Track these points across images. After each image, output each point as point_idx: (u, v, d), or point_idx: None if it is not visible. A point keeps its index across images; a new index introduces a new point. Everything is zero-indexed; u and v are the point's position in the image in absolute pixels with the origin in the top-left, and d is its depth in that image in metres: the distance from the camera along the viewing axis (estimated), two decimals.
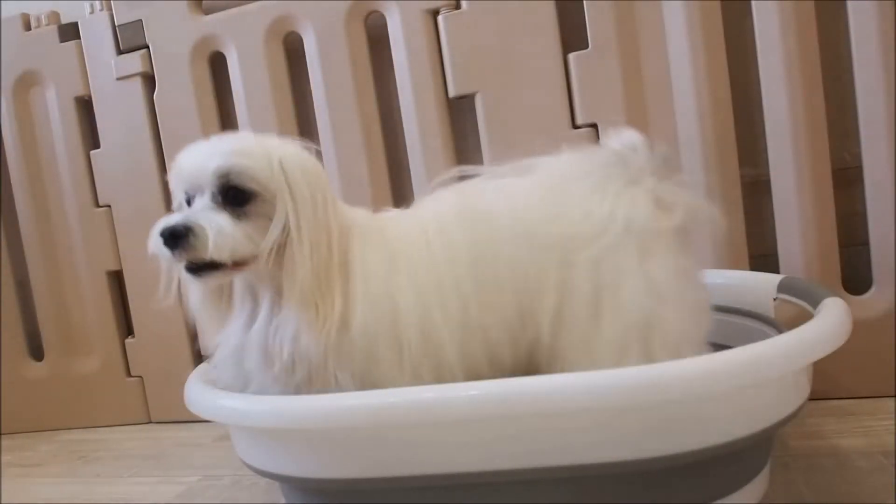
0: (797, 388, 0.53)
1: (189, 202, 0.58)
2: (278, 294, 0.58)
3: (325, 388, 0.56)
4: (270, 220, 0.56)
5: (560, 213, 0.59)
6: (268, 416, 0.53)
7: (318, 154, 0.62)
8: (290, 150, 0.59)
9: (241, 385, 0.61)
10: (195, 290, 0.63)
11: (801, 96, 0.81)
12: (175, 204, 0.62)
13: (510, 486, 0.51)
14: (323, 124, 1.01)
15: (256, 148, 0.57)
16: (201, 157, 0.57)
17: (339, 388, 0.56)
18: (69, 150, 1.13)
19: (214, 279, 0.57)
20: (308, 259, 0.55)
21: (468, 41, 0.92)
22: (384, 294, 0.58)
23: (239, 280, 0.61)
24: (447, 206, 0.63)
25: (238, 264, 0.56)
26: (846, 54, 0.81)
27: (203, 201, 0.56)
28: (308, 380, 0.57)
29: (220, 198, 0.56)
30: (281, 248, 0.57)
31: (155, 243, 0.56)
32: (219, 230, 0.54)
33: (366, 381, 0.56)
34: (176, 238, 0.54)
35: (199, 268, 0.55)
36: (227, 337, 0.62)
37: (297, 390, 0.57)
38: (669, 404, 0.47)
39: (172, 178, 0.60)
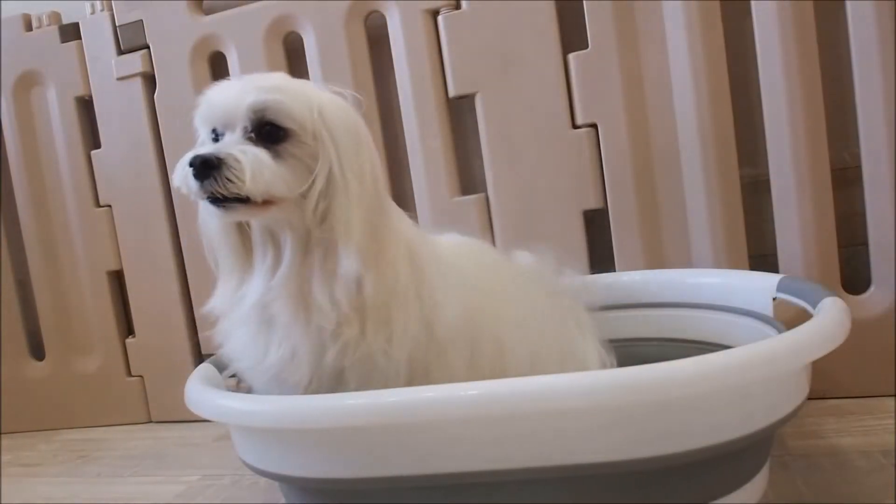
0: (796, 388, 0.53)
1: (217, 140, 0.55)
2: (304, 242, 0.54)
3: (359, 356, 0.54)
4: (305, 163, 0.53)
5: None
6: (268, 416, 0.53)
7: (359, 103, 0.59)
8: (330, 97, 0.56)
9: (262, 348, 0.56)
10: (213, 228, 0.59)
11: (800, 96, 0.81)
12: (199, 141, 0.58)
13: (510, 486, 0.51)
14: None
15: (295, 86, 0.55)
16: (235, 92, 0.54)
17: (381, 362, 0.54)
18: (70, 149, 1.13)
19: (240, 214, 0.53)
20: (358, 208, 0.53)
21: (468, 41, 0.93)
22: (465, 287, 0.59)
23: (258, 229, 0.57)
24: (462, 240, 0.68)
25: (267, 203, 0.52)
26: (845, 54, 0.81)
27: (234, 137, 0.53)
28: (345, 343, 0.54)
29: (253, 134, 0.53)
30: (320, 197, 0.53)
31: (181, 174, 0.52)
32: (257, 161, 0.51)
33: (418, 369, 0.55)
34: (208, 168, 0.50)
35: (225, 199, 0.51)
36: (245, 293, 0.57)
37: (325, 348, 0.54)
38: (669, 404, 0.47)
39: (199, 114, 0.57)
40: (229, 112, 0.54)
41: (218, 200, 0.52)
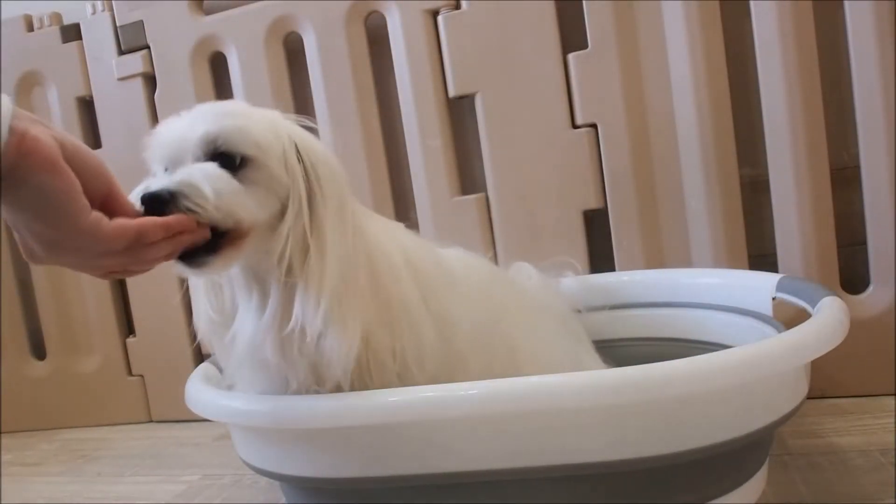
0: (795, 387, 0.53)
1: None
2: (286, 279, 0.51)
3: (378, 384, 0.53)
4: (271, 188, 0.50)
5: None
6: (268, 415, 0.53)
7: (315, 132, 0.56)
8: (298, 128, 0.54)
9: (264, 385, 0.55)
10: (195, 282, 0.57)
11: (799, 96, 0.81)
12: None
13: (509, 486, 0.51)
14: (323, 124, 1.01)
15: (251, 112, 0.52)
16: (185, 124, 0.50)
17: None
18: None
19: (212, 266, 0.49)
20: (337, 247, 0.50)
21: (468, 41, 0.93)
22: (474, 299, 0.60)
23: (241, 269, 0.54)
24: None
25: (236, 237, 0.48)
26: (844, 54, 0.81)
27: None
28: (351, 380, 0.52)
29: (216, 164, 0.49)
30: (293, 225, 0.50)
31: None
32: (215, 178, 0.46)
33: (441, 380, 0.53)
34: (161, 206, 0.45)
35: (193, 254, 0.48)
36: (235, 333, 0.55)
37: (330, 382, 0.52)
38: (668, 403, 0.47)
39: (149, 150, 0.52)
40: (179, 146, 0.49)
41: (185, 256, 0.48)
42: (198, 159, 0.49)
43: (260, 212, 0.49)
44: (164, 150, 0.50)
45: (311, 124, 0.56)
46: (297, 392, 0.54)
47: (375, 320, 0.52)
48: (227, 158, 0.49)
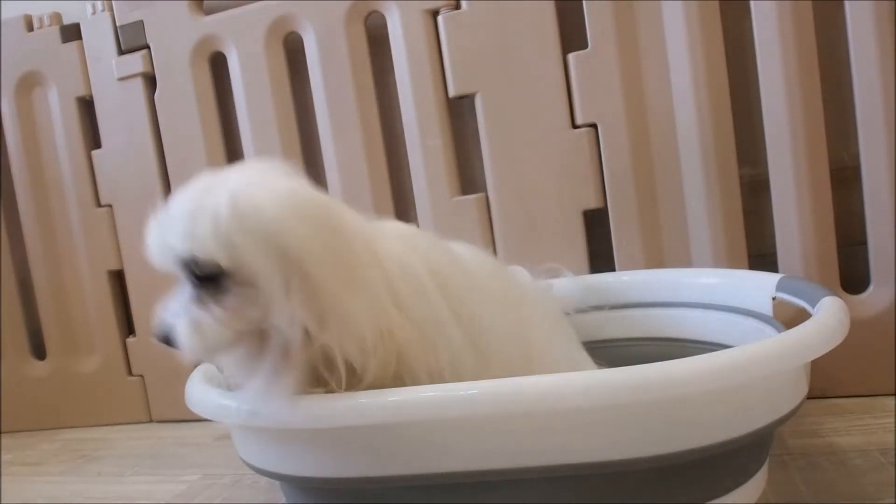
0: (795, 387, 0.53)
1: None
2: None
3: None
4: (252, 293, 0.49)
5: None
6: (268, 416, 0.53)
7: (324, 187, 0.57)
8: (258, 204, 0.48)
9: None
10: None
11: (799, 96, 0.81)
12: None
13: (509, 486, 0.51)
14: (323, 124, 1.01)
15: (210, 213, 0.48)
16: (160, 241, 0.51)
17: None
18: (70, 150, 1.13)
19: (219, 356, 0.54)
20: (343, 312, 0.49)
21: (468, 41, 0.93)
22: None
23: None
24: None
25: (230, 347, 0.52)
26: (844, 54, 0.81)
27: (184, 288, 0.52)
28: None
29: (193, 281, 0.51)
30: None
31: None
32: (191, 332, 0.50)
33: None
34: (168, 344, 0.53)
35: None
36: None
37: None
38: (668, 403, 0.47)
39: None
40: (163, 265, 0.52)
41: None
42: (183, 275, 0.51)
43: (243, 322, 0.50)
44: (155, 263, 0.53)
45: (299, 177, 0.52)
46: None
47: (410, 338, 0.52)
48: (203, 276, 0.49)
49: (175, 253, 0.50)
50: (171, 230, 0.50)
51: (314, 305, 0.49)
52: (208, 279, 0.49)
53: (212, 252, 0.48)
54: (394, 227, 0.61)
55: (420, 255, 0.57)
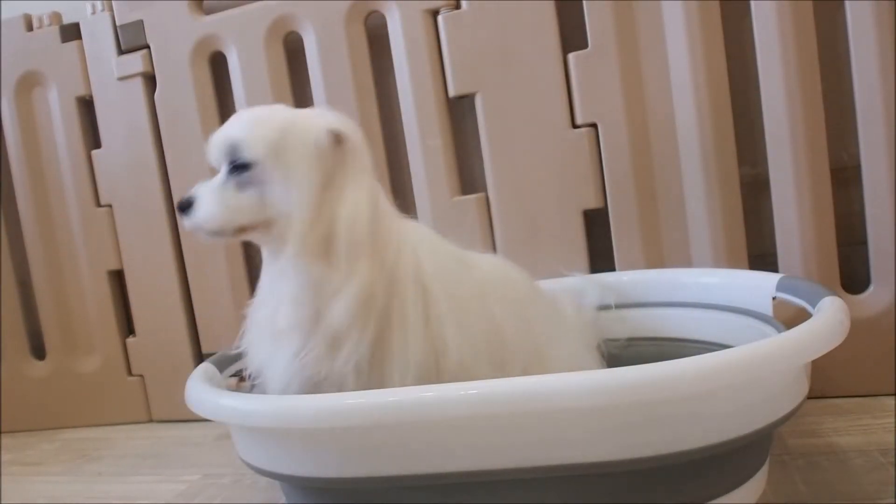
0: (796, 387, 0.53)
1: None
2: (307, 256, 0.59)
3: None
4: (268, 188, 0.58)
5: None
6: (268, 416, 0.53)
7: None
8: (303, 122, 0.59)
9: (270, 358, 0.60)
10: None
11: (799, 96, 0.81)
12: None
13: (510, 486, 0.51)
14: None
15: (267, 118, 0.60)
16: (218, 133, 0.60)
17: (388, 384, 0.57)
18: (70, 149, 1.13)
19: (218, 240, 0.61)
20: (302, 228, 0.57)
21: (468, 41, 0.93)
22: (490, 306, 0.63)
23: (265, 248, 0.63)
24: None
25: (242, 230, 0.60)
26: (844, 54, 0.81)
27: (221, 172, 0.60)
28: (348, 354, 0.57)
29: (228, 168, 0.59)
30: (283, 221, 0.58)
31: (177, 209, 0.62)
32: (209, 204, 0.59)
33: None
34: (184, 208, 0.60)
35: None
36: (258, 305, 0.63)
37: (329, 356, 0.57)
38: (668, 403, 0.48)
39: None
40: (214, 152, 0.61)
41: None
42: (225, 164, 0.59)
43: (259, 212, 0.59)
44: (209, 152, 0.61)
45: (350, 123, 0.61)
46: (305, 365, 0.58)
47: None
48: (238, 163, 0.58)
49: (228, 140, 0.59)
50: (234, 124, 0.60)
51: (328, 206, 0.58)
52: (241, 169, 0.58)
53: (256, 148, 0.57)
54: (410, 222, 0.66)
55: (418, 261, 0.61)
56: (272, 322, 0.60)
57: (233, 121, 0.61)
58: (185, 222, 0.60)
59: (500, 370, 0.60)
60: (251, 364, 0.63)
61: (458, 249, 0.67)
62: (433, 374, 0.58)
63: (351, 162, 0.59)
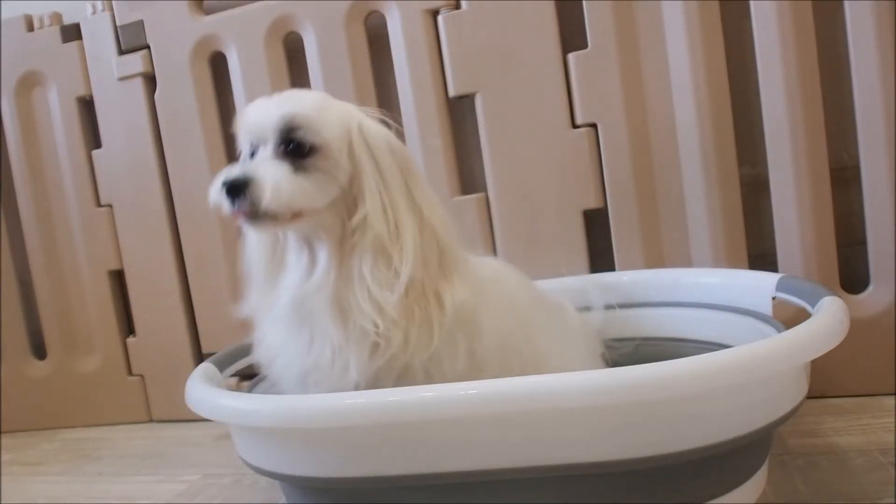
0: (795, 387, 0.53)
1: (253, 154, 0.58)
2: (340, 246, 0.57)
3: (400, 368, 0.56)
4: (332, 175, 0.56)
5: None
6: (268, 415, 0.53)
7: (400, 134, 0.62)
8: (368, 120, 0.59)
9: (305, 343, 0.58)
10: (251, 239, 0.63)
11: (799, 96, 0.81)
12: (240, 155, 0.61)
13: (510, 486, 0.51)
14: None
15: (325, 104, 0.58)
16: (266, 108, 0.57)
17: (420, 379, 0.56)
18: (71, 149, 1.13)
19: (269, 227, 0.56)
20: (409, 220, 0.56)
21: (468, 41, 0.93)
22: (502, 310, 0.63)
23: (293, 236, 0.60)
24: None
25: (297, 216, 0.55)
26: (844, 54, 0.81)
27: (265, 152, 0.56)
28: (390, 350, 0.55)
29: (281, 149, 0.56)
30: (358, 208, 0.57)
31: (216, 193, 0.55)
32: (276, 183, 0.53)
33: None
34: (236, 189, 0.54)
35: (257, 216, 0.55)
36: (280, 293, 0.59)
37: (369, 352, 0.55)
38: (668, 403, 0.48)
39: (238, 129, 0.60)
40: (261, 128, 0.57)
41: (250, 217, 0.55)
42: (276, 140, 0.56)
43: (319, 198, 0.56)
44: (249, 130, 0.58)
45: (385, 118, 0.61)
46: (331, 360, 0.56)
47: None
48: (298, 144, 0.55)
49: (291, 118, 0.55)
50: (295, 102, 0.57)
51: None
52: (303, 154, 0.55)
53: (330, 132, 0.56)
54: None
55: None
56: (300, 309, 0.58)
57: (290, 98, 0.57)
58: (235, 206, 0.54)
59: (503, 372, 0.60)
60: (271, 359, 0.61)
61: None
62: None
63: (414, 168, 0.59)
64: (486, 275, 0.65)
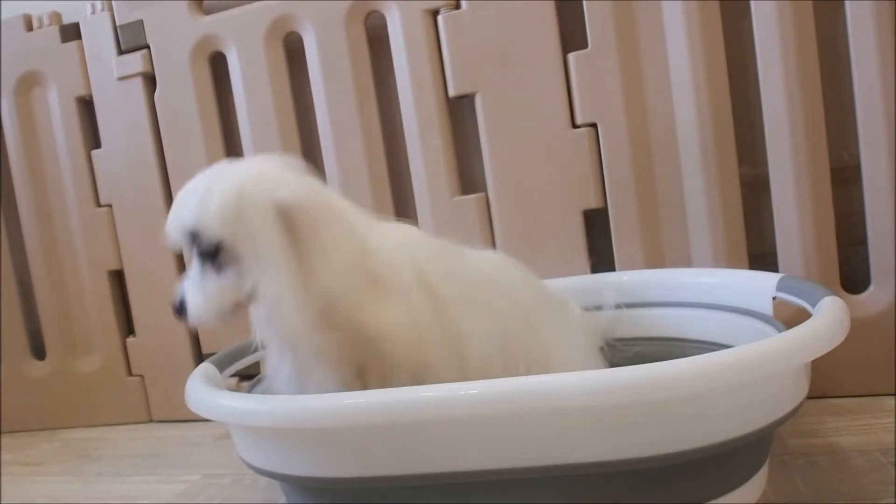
0: (796, 387, 0.53)
1: None
2: None
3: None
4: (242, 266, 0.56)
5: None
6: (268, 415, 0.53)
7: (322, 177, 0.61)
8: (254, 188, 0.55)
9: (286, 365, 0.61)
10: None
11: (799, 96, 0.81)
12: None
13: (510, 486, 0.51)
14: (323, 124, 1.01)
15: (228, 193, 0.54)
16: (172, 217, 0.57)
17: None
18: (70, 149, 1.13)
19: (225, 323, 0.59)
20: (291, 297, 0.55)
21: (468, 41, 0.93)
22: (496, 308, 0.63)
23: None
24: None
25: (240, 306, 0.58)
26: (845, 54, 0.81)
27: (193, 260, 0.57)
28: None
29: (197, 252, 0.56)
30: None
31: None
32: (195, 301, 0.56)
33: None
34: (179, 311, 0.58)
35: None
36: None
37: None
38: (668, 403, 0.48)
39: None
40: (175, 239, 0.57)
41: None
42: (191, 249, 0.56)
43: (241, 292, 0.56)
44: (169, 237, 0.58)
45: (300, 169, 0.59)
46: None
47: (395, 334, 0.57)
48: (206, 249, 0.55)
49: (184, 227, 0.56)
50: (184, 208, 0.56)
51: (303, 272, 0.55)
52: (212, 254, 0.55)
53: (215, 229, 0.54)
54: (394, 227, 0.63)
55: (410, 256, 0.60)
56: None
57: (183, 199, 0.56)
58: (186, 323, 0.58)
59: (506, 372, 0.60)
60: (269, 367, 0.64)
61: (456, 246, 0.66)
62: (458, 372, 0.58)
63: (313, 225, 0.55)
64: (476, 275, 0.64)
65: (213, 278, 0.56)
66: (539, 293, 0.72)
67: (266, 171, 0.57)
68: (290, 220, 0.54)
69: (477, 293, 0.62)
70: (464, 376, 0.57)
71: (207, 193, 0.55)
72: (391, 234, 0.62)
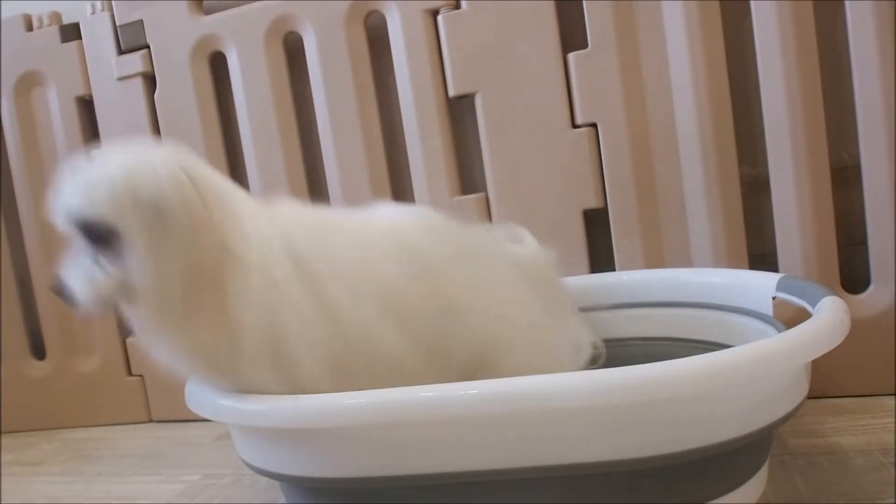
0: (796, 387, 0.53)
1: None
2: None
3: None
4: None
5: None
6: (268, 415, 0.53)
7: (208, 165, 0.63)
8: (141, 174, 0.55)
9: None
10: None
11: (799, 96, 0.81)
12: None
13: (508, 485, 0.51)
14: (323, 124, 1.01)
15: (116, 181, 0.54)
16: (56, 203, 0.55)
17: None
18: (70, 149, 1.13)
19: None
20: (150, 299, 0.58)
21: (468, 41, 0.93)
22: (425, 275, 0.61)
23: None
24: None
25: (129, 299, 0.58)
26: (844, 54, 0.81)
27: (77, 246, 0.56)
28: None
29: (85, 240, 0.55)
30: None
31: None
32: (74, 286, 0.56)
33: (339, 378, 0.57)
34: (60, 294, 0.57)
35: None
36: None
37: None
38: (667, 403, 0.48)
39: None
40: (60, 223, 0.55)
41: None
42: (77, 234, 0.55)
43: (118, 277, 0.56)
44: (55, 222, 0.56)
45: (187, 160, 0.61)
46: None
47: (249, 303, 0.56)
48: (96, 233, 0.54)
49: (71, 214, 0.54)
50: (69, 195, 0.54)
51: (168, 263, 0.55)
52: (100, 239, 0.54)
53: (102, 214, 0.53)
54: (286, 210, 0.63)
55: (288, 239, 0.59)
56: None
57: (67, 184, 0.55)
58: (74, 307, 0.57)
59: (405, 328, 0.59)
60: None
61: (341, 214, 0.65)
62: (333, 341, 0.57)
63: (184, 212, 0.55)
64: (354, 241, 0.62)
65: (102, 263, 0.55)
66: (459, 241, 0.67)
67: (149, 158, 0.57)
68: (161, 208, 0.54)
69: (354, 258, 0.60)
70: (344, 341, 0.57)
71: (91, 179, 0.55)
72: (269, 214, 0.61)
